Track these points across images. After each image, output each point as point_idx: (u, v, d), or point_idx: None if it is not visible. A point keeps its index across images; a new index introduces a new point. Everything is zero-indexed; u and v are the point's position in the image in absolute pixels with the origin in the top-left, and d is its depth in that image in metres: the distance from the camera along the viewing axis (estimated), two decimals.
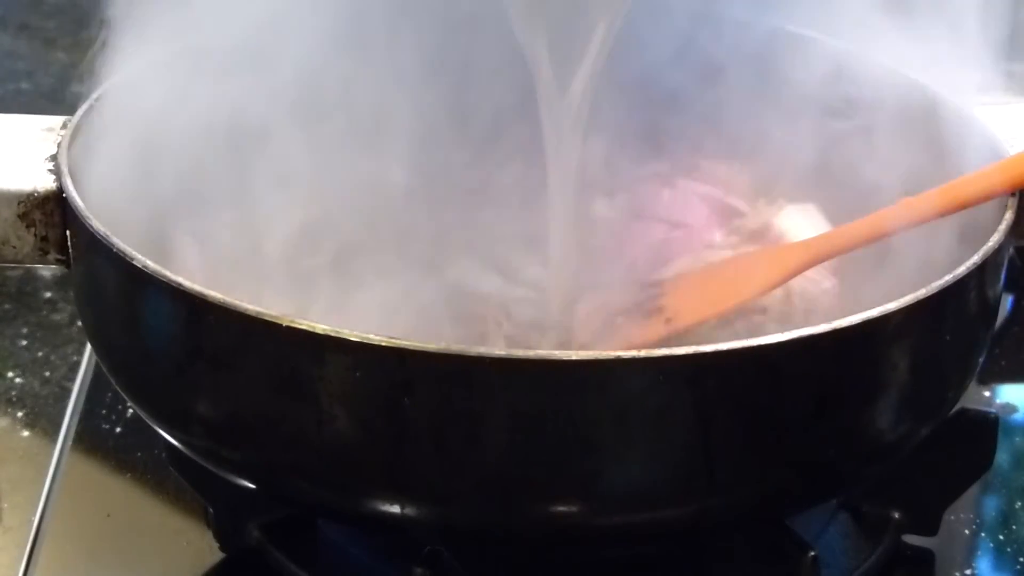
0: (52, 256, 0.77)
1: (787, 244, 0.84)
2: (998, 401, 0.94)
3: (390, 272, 0.88)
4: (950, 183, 0.79)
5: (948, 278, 0.70)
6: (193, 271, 0.85)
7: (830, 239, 0.83)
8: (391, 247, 0.90)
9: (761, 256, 0.85)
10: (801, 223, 0.92)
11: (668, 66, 0.97)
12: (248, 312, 0.65)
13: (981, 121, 0.82)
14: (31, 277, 1.06)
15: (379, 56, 0.92)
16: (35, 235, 0.76)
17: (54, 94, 1.34)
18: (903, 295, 0.68)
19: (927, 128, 0.85)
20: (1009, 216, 0.75)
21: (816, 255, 0.82)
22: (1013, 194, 0.76)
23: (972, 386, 0.77)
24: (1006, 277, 0.77)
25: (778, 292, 0.85)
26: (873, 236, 0.81)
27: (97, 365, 0.92)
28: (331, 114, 0.95)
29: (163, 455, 0.79)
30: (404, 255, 0.89)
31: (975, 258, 0.71)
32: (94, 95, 0.81)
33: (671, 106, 0.97)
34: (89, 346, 0.95)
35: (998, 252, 0.73)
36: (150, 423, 0.74)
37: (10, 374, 0.96)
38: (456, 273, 0.90)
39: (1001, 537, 0.83)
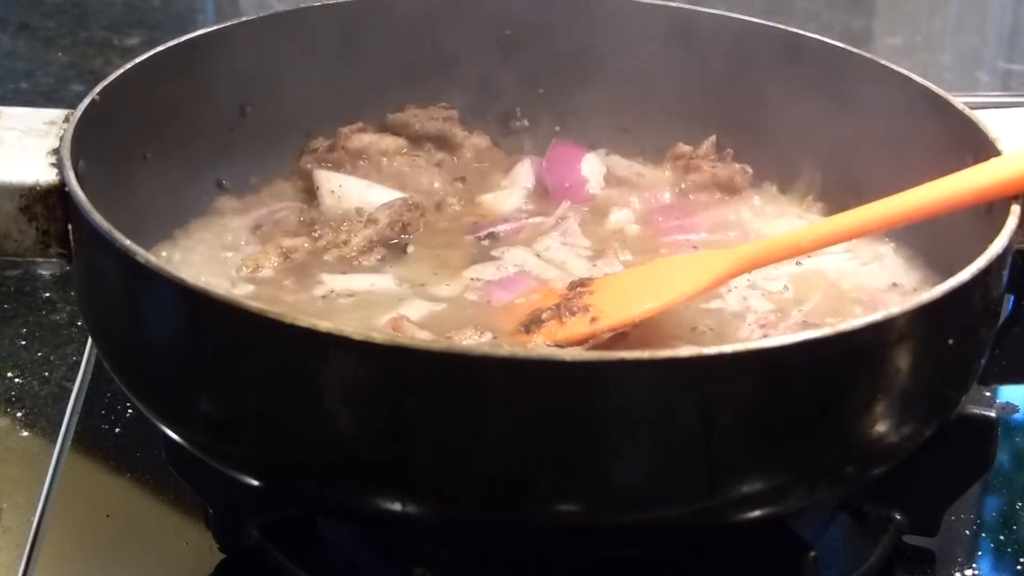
0: (53, 250, 0.77)
1: (717, 251, 0.84)
2: (998, 401, 0.94)
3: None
4: (931, 183, 0.79)
5: (952, 282, 0.69)
6: (195, 267, 0.86)
7: (756, 248, 0.82)
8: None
9: (689, 261, 0.85)
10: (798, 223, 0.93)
11: (668, 69, 0.97)
12: (251, 309, 0.65)
13: (980, 122, 0.82)
14: (31, 277, 1.05)
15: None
16: (37, 228, 0.76)
17: (53, 94, 1.35)
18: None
19: (926, 128, 0.86)
20: (1012, 221, 0.75)
21: (743, 263, 0.81)
22: (1017, 199, 0.76)
23: (972, 386, 0.77)
24: (1008, 278, 0.76)
25: None
26: (811, 245, 0.82)
27: (97, 365, 0.92)
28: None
29: (163, 455, 0.79)
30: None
31: (979, 263, 0.71)
32: (96, 89, 0.81)
33: (672, 110, 0.97)
34: (89, 346, 0.95)
35: (1001, 257, 0.73)
36: (152, 419, 0.74)
37: (10, 374, 0.96)
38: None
39: (1001, 537, 0.83)
